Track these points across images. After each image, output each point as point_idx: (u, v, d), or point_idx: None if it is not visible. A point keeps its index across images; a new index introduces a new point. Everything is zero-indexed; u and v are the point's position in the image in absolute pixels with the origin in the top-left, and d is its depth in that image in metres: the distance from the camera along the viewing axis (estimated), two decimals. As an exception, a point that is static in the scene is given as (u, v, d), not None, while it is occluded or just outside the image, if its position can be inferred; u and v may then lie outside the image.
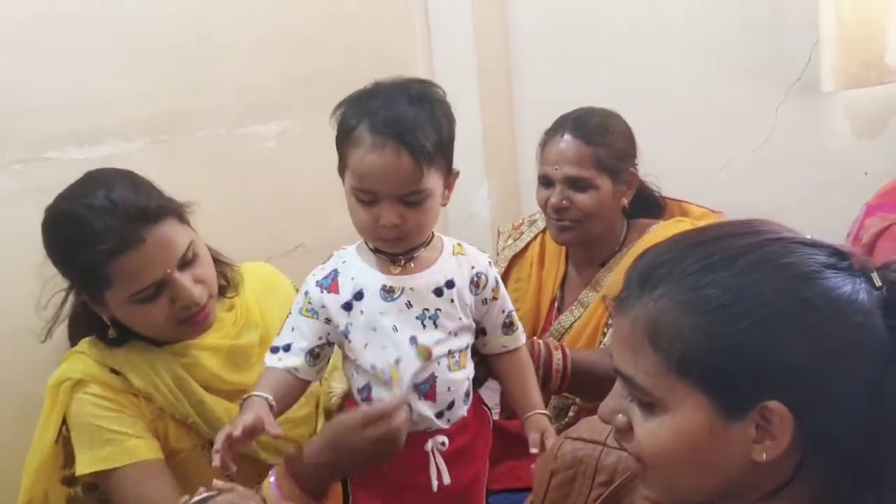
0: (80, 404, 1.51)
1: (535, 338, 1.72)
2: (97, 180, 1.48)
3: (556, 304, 2.01)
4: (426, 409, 1.42)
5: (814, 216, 2.69)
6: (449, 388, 1.43)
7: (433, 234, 1.46)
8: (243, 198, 2.28)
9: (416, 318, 1.41)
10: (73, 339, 1.62)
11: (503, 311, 1.50)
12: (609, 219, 1.90)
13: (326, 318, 1.44)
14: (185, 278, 1.48)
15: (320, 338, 1.45)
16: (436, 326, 1.41)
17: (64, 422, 1.53)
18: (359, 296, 1.42)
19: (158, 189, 1.51)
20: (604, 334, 1.86)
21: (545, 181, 1.89)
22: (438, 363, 1.42)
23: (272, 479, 1.39)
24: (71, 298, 1.56)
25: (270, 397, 1.39)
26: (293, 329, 1.46)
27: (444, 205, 1.42)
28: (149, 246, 1.43)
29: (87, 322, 1.57)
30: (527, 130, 3.11)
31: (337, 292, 1.44)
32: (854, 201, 2.37)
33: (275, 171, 2.36)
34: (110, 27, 1.93)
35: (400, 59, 2.86)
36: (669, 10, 2.81)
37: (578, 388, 1.72)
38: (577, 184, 1.84)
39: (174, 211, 1.50)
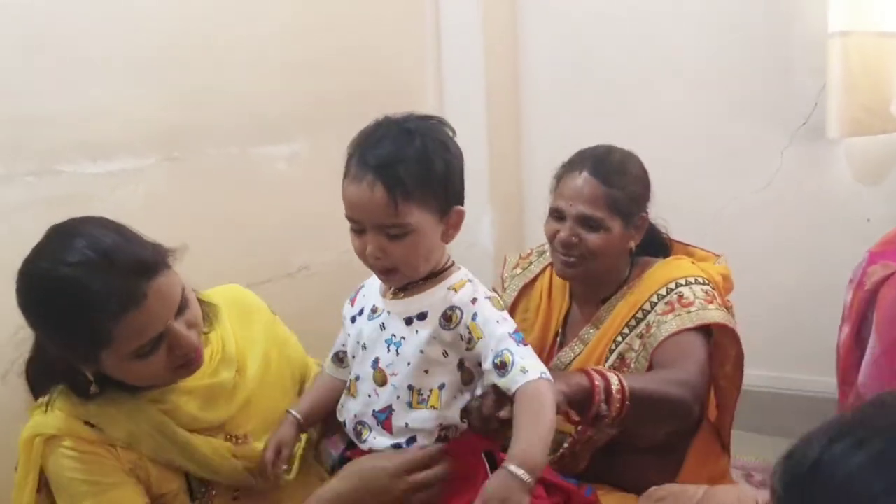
0: (56, 459, 1.44)
1: (588, 368, 1.59)
2: (79, 234, 1.38)
3: (557, 340, 2.01)
4: (381, 439, 1.43)
5: (814, 260, 2.73)
6: (406, 425, 1.41)
7: (448, 267, 1.45)
8: (250, 218, 2.29)
9: (385, 341, 1.43)
10: (38, 385, 1.52)
11: (491, 352, 1.37)
12: (614, 259, 1.90)
13: (345, 330, 1.54)
14: (181, 326, 1.42)
15: (343, 344, 1.56)
16: (397, 355, 1.41)
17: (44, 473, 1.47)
18: (361, 311, 1.51)
19: (144, 237, 1.43)
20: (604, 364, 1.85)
21: (557, 214, 1.89)
22: (398, 396, 1.41)
23: None
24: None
25: (300, 414, 1.56)
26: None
27: (445, 242, 1.41)
28: (151, 301, 1.36)
29: (58, 372, 1.47)
30: (533, 161, 3.16)
31: (353, 305, 1.54)
32: (855, 247, 2.38)
33: (283, 192, 2.38)
34: (125, 43, 1.94)
35: (410, 85, 2.89)
36: (679, 47, 2.85)
37: (631, 414, 1.60)
38: (588, 223, 1.83)
39: (167, 259, 1.42)
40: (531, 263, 2.13)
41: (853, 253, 2.37)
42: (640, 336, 1.83)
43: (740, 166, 2.79)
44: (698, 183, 2.81)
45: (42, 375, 1.52)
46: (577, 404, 1.50)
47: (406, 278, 1.40)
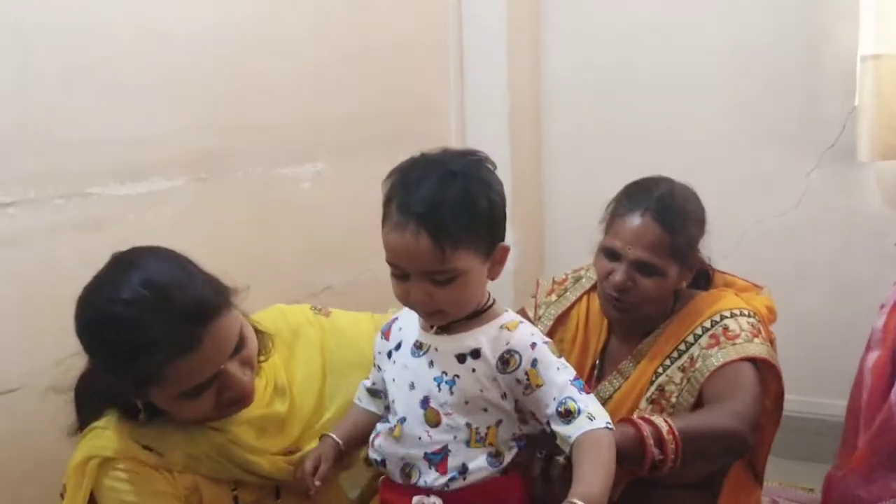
0: (110, 482, 1.41)
1: (632, 417, 1.55)
2: (136, 266, 1.35)
3: (594, 373, 1.96)
4: (434, 478, 1.37)
5: (841, 285, 2.71)
6: (464, 464, 1.36)
7: (491, 305, 1.41)
8: (276, 237, 2.27)
9: (434, 379, 1.37)
10: (86, 405, 1.50)
11: (553, 399, 1.34)
12: (667, 302, 1.86)
13: (379, 365, 1.50)
14: (234, 367, 1.40)
15: (374, 382, 1.53)
16: (451, 393, 1.36)
17: (93, 500, 1.43)
18: (398, 346, 1.45)
19: (208, 273, 1.40)
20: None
21: (612, 255, 1.81)
22: (454, 436, 1.36)
23: None
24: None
25: (340, 439, 1.51)
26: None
27: (492, 279, 1.37)
28: (207, 347, 1.33)
29: (108, 390, 1.44)
30: (554, 182, 3.15)
31: (388, 340, 1.49)
32: (883, 272, 2.37)
33: (308, 212, 2.37)
34: (155, 66, 1.92)
35: (433, 107, 2.89)
36: (704, 67, 2.83)
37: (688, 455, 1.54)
38: (646, 268, 1.77)
39: (228, 299, 1.39)
40: (566, 290, 2.07)
41: (881, 278, 2.35)
42: (683, 369, 1.78)
43: (765, 189, 2.77)
44: (723, 205, 2.73)
45: (92, 396, 1.49)
46: (628, 456, 1.45)
47: (451, 319, 1.37)
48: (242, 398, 1.44)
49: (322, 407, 1.62)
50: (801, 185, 2.70)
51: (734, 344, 1.73)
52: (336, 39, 2.46)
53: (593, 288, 1.99)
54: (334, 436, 1.52)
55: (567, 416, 1.32)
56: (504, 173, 3.08)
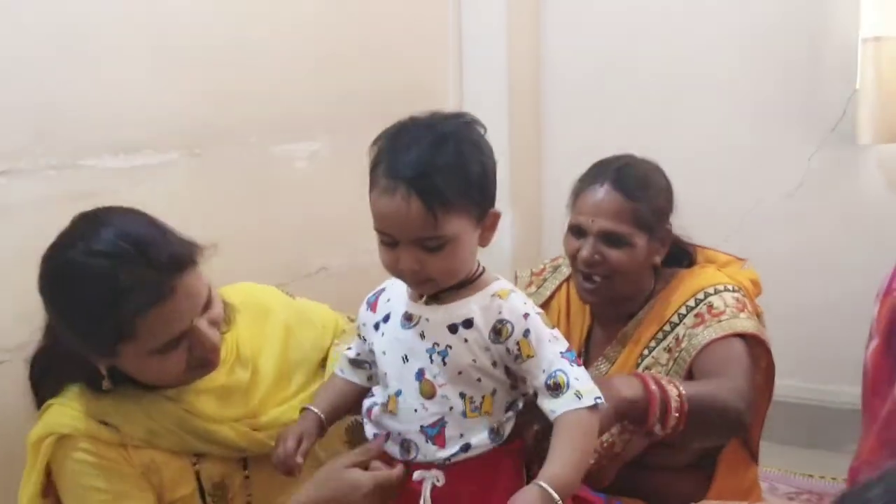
0: (70, 463, 1.41)
1: (644, 375, 1.54)
2: (106, 222, 1.36)
3: (580, 359, 1.95)
4: (433, 453, 1.35)
5: (840, 269, 2.69)
6: (461, 435, 1.34)
7: (481, 273, 1.37)
8: (270, 216, 2.25)
9: (426, 351, 1.34)
10: (42, 380, 1.50)
11: (543, 371, 1.31)
12: (638, 277, 1.83)
13: (364, 336, 1.46)
14: (204, 325, 1.40)
15: (359, 353, 1.49)
16: (444, 364, 1.33)
17: (51, 475, 1.44)
18: (386, 318, 1.41)
19: (176, 231, 1.41)
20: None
21: (577, 231, 1.80)
22: (450, 407, 1.33)
23: None
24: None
25: (322, 412, 1.46)
26: (354, 338, 1.51)
27: (483, 245, 1.34)
28: (179, 297, 1.33)
29: (65, 364, 1.44)
30: (554, 162, 3.13)
31: (374, 311, 1.44)
32: (883, 256, 2.33)
33: (303, 191, 2.35)
34: (151, 39, 1.91)
35: (432, 85, 2.87)
36: (705, 49, 2.81)
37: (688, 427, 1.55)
38: (611, 239, 1.76)
39: (196, 256, 1.39)
40: (545, 280, 2.05)
41: (882, 262, 2.32)
42: (668, 350, 1.76)
43: (766, 172, 2.75)
44: (723, 189, 2.77)
45: (49, 372, 1.49)
46: (630, 417, 1.49)
47: (440, 287, 1.33)
48: (211, 359, 1.44)
49: (285, 381, 1.62)
50: (801, 168, 2.68)
51: (720, 321, 1.71)
52: (335, 16, 2.45)
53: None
54: (315, 409, 1.47)
55: (556, 389, 1.30)
56: (502, 152, 3.09)
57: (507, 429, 1.37)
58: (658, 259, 1.84)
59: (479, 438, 1.34)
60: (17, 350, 1.65)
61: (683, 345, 1.73)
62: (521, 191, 3.05)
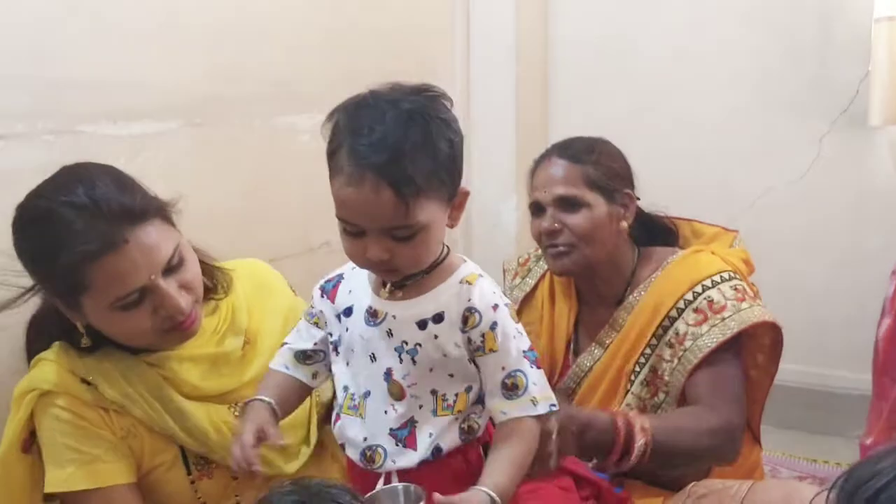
0: (47, 418, 1.41)
1: (615, 414, 1.58)
2: (77, 176, 1.37)
3: (570, 346, 1.91)
4: (405, 458, 1.27)
5: (851, 253, 2.65)
6: (430, 434, 1.26)
7: (447, 255, 1.29)
8: (272, 190, 2.23)
9: (395, 349, 1.27)
10: (36, 341, 1.51)
11: (502, 369, 1.25)
12: (608, 244, 1.81)
13: (324, 323, 1.38)
14: (170, 286, 1.37)
15: (315, 343, 1.39)
16: (414, 363, 1.25)
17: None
18: (348, 312, 1.33)
19: (143, 187, 1.40)
20: (630, 381, 1.78)
21: (536, 209, 1.81)
22: (420, 405, 1.27)
23: None
24: (36, 297, 1.48)
25: (273, 401, 1.35)
26: (297, 330, 1.42)
27: (451, 226, 1.27)
28: (132, 249, 1.32)
29: (56, 324, 1.46)
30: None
31: (333, 301, 1.36)
32: (895, 238, 2.33)
33: (306, 166, 2.30)
34: (154, 8, 1.90)
35: (439, 63, 2.83)
36: (716, 31, 2.77)
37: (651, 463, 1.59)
38: (567, 203, 1.76)
39: (160, 211, 1.38)
40: (530, 270, 2.04)
41: (893, 244, 2.31)
42: (671, 345, 1.74)
43: (777, 154, 2.71)
44: (733, 171, 2.74)
45: (42, 333, 1.50)
46: (591, 449, 1.53)
47: (406, 273, 1.25)
48: (181, 323, 1.41)
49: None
50: (813, 150, 2.64)
51: (723, 318, 1.70)
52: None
53: None
54: (266, 398, 1.35)
55: (512, 389, 1.25)
56: (509, 136, 3.07)
57: (480, 424, 1.31)
58: (624, 224, 1.82)
59: (451, 439, 1.28)
60: (16, 315, 1.63)
61: (687, 344, 1.71)
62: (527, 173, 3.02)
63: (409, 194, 1.15)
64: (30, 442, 1.44)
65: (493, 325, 1.24)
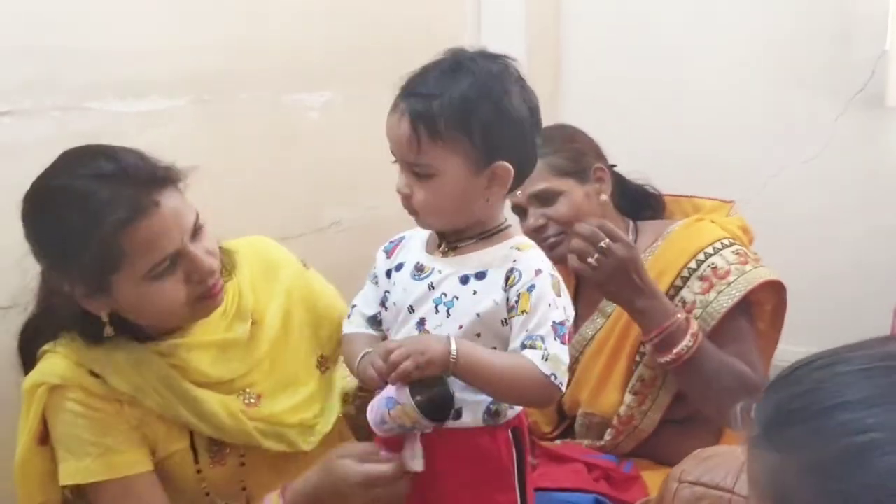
0: (59, 412, 1.40)
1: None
2: (90, 151, 1.36)
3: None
4: None
5: (864, 234, 2.62)
6: (459, 408, 1.28)
7: (504, 228, 1.33)
8: (282, 167, 2.21)
9: (433, 301, 1.29)
10: (29, 349, 1.49)
11: (527, 331, 1.24)
12: (595, 219, 1.81)
13: (378, 283, 1.41)
14: (198, 249, 1.37)
15: (380, 304, 1.41)
16: (448, 315, 1.27)
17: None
18: (398, 267, 1.37)
19: (157, 158, 1.39)
20: (640, 353, 1.79)
21: (519, 211, 1.85)
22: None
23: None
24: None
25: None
26: (364, 294, 1.44)
27: (490, 200, 1.28)
28: (163, 211, 1.31)
29: (66, 316, 1.43)
30: (572, 118, 3.05)
31: (389, 258, 1.40)
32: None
33: (315, 143, 2.31)
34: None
35: (449, 37, 2.80)
36: (730, 10, 2.74)
37: (689, 371, 1.67)
38: (543, 198, 1.81)
39: (178, 178, 1.38)
40: None
41: (906, 228, 2.28)
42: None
43: (791, 134, 2.68)
44: (748, 151, 2.71)
45: (37, 336, 1.47)
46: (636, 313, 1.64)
47: (427, 223, 1.31)
48: (213, 287, 1.40)
49: (290, 335, 1.58)
50: (828, 130, 2.61)
51: (729, 283, 1.72)
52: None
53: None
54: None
55: (530, 349, 1.24)
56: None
57: (506, 409, 1.31)
58: (605, 197, 1.85)
59: (473, 409, 1.28)
60: (21, 293, 1.63)
61: (697, 313, 1.73)
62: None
63: (422, 131, 1.21)
64: (45, 434, 1.43)
65: (531, 288, 1.25)
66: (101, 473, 1.39)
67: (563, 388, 1.26)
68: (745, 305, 1.75)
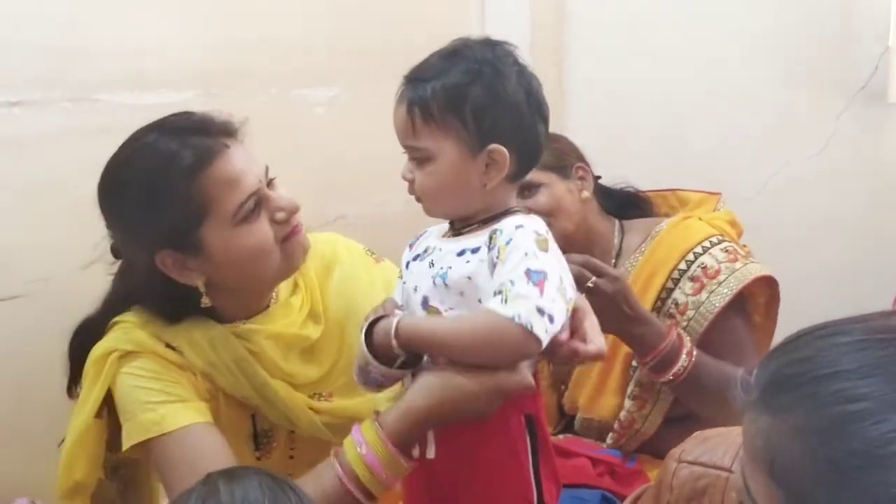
0: (127, 375, 1.37)
1: (671, 325, 1.70)
2: (154, 122, 1.40)
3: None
4: None
5: (867, 232, 2.63)
6: None
7: (511, 213, 1.29)
8: (287, 162, 2.19)
9: (431, 277, 1.27)
10: (80, 352, 1.46)
11: (499, 280, 1.18)
12: (574, 215, 1.85)
13: (402, 277, 1.41)
14: (275, 193, 1.41)
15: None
16: (446, 287, 1.25)
17: (107, 400, 1.40)
18: (416, 257, 1.37)
19: None
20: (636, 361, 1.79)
21: None
22: None
23: (355, 435, 1.26)
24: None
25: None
26: (397, 287, 1.43)
27: (486, 185, 1.26)
28: (235, 152, 1.36)
29: (145, 297, 1.42)
30: (576, 117, 3.06)
31: (411, 250, 1.40)
32: (914, 216, 2.30)
33: (322, 138, 2.31)
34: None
35: (453, 35, 2.81)
36: (732, 9, 2.73)
37: (687, 386, 1.68)
38: (523, 189, 1.78)
39: (237, 131, 1.43)
40: None
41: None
42: (671, 315, 1.76)
43: (794, 131, 2.67)
44: (750, 148, 2.71)
45: (89, 341, 1.44)
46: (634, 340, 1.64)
47: (431, 211, 1.31)
48: (298, 227, 1.41)
49: (343, 344, 1.55)
50: (830, 127, 2.60)
51: (719, 282, 1.73)
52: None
53: None
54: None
55: (499, 295, 1.18)
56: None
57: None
58: (586, 194, 1.87)
59: None
60: (33, 283, 1.65)
61: (690, 314, 1.74)
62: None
63: (416, 115, 1.23)
64: (101, 407, 1.40)
65: (509, 241, 1.21)
66: (171, 423, 1.35)
67: (537, 331, 1.16)
68: (739, 302, 1.75)
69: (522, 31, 2.88)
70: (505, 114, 1.24)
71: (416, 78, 1.25)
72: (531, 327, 1.16)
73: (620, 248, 1.90)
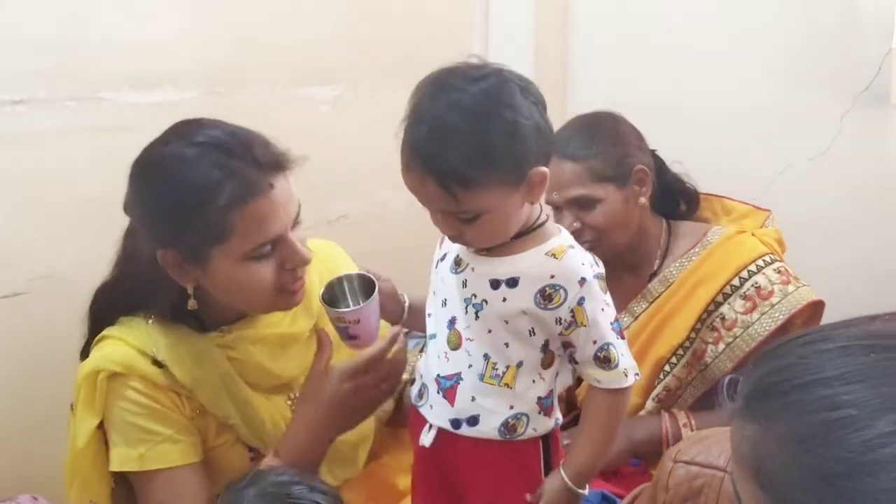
0: (117, 399, 1.40)
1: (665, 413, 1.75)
2: (212, 124, 1.38)
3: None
4: (439, 410, 1.31)
5: (870, 233, 2.62)
6: (473, 399, 1.28)
7: (542, 223, 1.30)
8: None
9: (463, 300, 1.28)
10: (102, 310, 1.50)
11: (594, 343, 1.26)
12: (632, 226, 1.82)
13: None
14: (296, 237, 1.39)
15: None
16: (476, 318, 1.26)
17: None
18: (444, 257, 1.37)
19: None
20: (672, 365, 1.80)
21: (554, 207, 1.82)
22: (469, 364, 1.28)
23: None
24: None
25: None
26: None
27: (531, 203, 1.26)
28: (277, 195, 1.33)
29: (142, 285, 1.43)
30: (578, 113, 3.06)
31: (440, 246, 1.41)
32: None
33: (325, 136, 2.32)
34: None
35: (457, 34, 2.81)
36: (736, 10, 2.73)
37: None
38: (581, 203, 1.77)
39: (290, 166, 1.39)
40: None
41: (914, 224, 2.28)
42: (714, 329, 1.76)
43: (795, 132, 2.67)
44: (753, 148, 2.70)
45: (109, 301, 1.47)
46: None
47: (491, 245, 1.28)
48: (299, 281, 1.41)
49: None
50: (833, 128, 2.60)
51: (772, 304, 1.72)
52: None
53: None
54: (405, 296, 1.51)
55: (605, 362, 1.27)
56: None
57: (525, 430, 1.30)
58: (644, 200, 1.82)
59: (490, 419, 1.28)
60: (36, 280, 1.65)
61: (737, 332, 1.73)
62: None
63: (453, 186, 1.16)
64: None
65: (581, 301, 1.24)
66: (152, 463, 1.40)
67: (637, 372, 1.32)
68: (786, 327, 1.75)
69: (527, 31, 2.88)
70: (531, 138, 1.21)
71: (427, 151, 1.17)
72: (637, 375, 1.33)
73: (667, 249, 1.87)
